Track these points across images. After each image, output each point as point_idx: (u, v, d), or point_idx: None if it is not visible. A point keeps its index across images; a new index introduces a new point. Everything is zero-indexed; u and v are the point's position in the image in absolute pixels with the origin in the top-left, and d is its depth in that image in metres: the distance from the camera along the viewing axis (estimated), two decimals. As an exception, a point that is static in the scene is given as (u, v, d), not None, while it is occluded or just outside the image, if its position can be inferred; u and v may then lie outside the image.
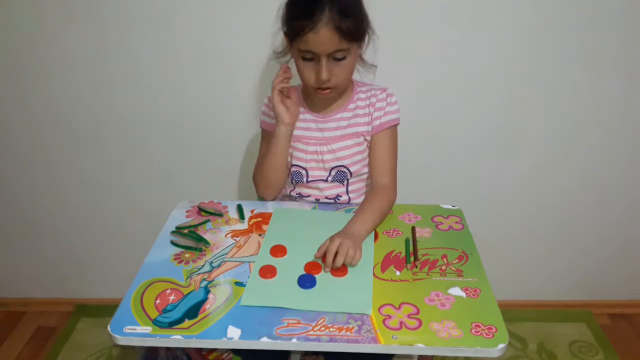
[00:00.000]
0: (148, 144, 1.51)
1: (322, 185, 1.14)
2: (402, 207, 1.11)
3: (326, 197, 1.15)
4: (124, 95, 1.43)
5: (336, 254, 0.90)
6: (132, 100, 1.43)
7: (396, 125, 1.13)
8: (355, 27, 0.96)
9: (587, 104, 1.40)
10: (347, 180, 1.14)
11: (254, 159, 1.33)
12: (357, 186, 1.16)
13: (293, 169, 1.14)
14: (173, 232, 1.04)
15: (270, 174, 1.12)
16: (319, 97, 1.06)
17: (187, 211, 1.11)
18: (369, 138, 1.12)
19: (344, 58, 0.98)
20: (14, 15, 1.32)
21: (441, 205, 1.12)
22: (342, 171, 1.12)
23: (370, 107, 1.09)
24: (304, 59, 0.99)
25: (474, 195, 1.54)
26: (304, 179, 1.14)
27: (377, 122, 1.09)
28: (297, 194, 1.18)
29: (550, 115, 1.42)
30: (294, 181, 1.16)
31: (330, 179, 1.13)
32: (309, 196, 1.16)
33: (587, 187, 1.53)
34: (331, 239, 0.93)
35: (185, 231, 1.04)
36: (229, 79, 1.39)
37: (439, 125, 1.44)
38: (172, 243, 1.00)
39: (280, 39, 1.06)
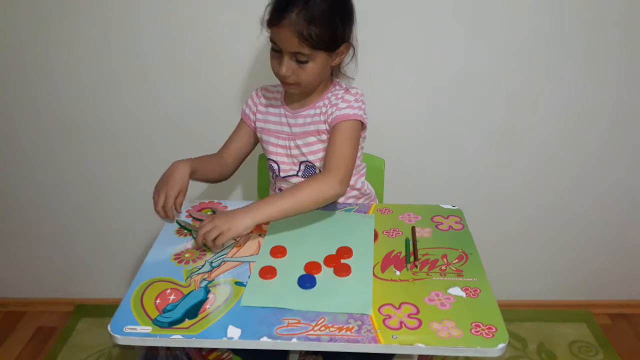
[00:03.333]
0: (149, 143, 1.51)
1: (294, 180, 1.16)
2: (402, 207, 1.11)
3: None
4: (127, 94, 1.43)
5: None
6: (135, 100, 1.44)
7: (355, 120, 1.06)
8: (320, 36, 0.97)
9: (587, 104, 1.40)
10: None
11: (255, 159, 1.33)
12: None
13: (268, 162, 1.19)
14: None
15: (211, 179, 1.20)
16: (284, 88, 1.09)
17: (187, 211, 1.11)
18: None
19: (306, 62, 1.00)
20: (17, 14, 1.32)
21: (441, 205, 1.12)
22: (310, 166, 1.14)
23: (330, 106, 1.09)
24: (273, 49, 1.03)
25: (474, 195, 1.54)
26: (278, 173, 1.17)
27: (330, 118, 1.08)
28: (278, 189, 1.20)
29: (550, 115, 1.42)
30: (273, 175, 1.20)
31: (300, 174, 1.15)
32: None
33: (587, 187, 1.53)
34: (210, 217, 0.94)
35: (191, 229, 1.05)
36: (231, 78, 1.39)
37: (439, 126, 1.44)
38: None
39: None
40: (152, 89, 1.42)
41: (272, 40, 1.01)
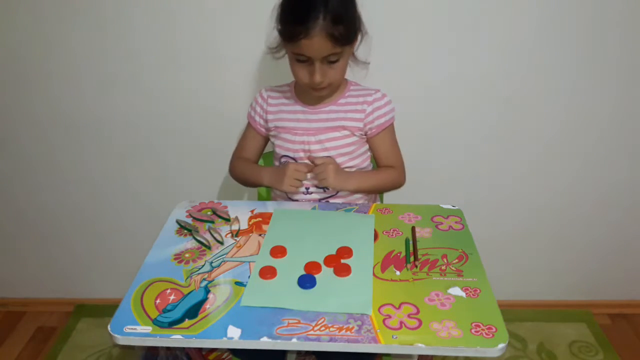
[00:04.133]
0: (149, 143, 1.51)
1: (310, 175, 1.16)
2: (402, 207, 1.11)
3: (316, 187, 1.17)
4: (126, 94, 1.43)
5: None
6: (134, 100, 1.44)
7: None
8: (347, 32, 0.99)
9: (586, 103, 1.40)
10: None
11: (254, 159, 1.33)
12: None
13: (283, 159, 1.18)
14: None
15: (244, 183, 1.25)
16: (313, 94, 1.10)
17: (187, 211, 1.11)
18: (357, 134, 1.15)
19: (337, 60, 1.02)
20: (16, 15, 1.32)
21: (441, 205, 1.12)
22: None
23: (366, 104, 1.13)
24: (298, 60, 1.03)
25: (474, 195, 1.54)
26: None
27: (378, 122, 1.14)
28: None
29: (549, 115, 1.42)
30: None
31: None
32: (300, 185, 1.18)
33: (587, 187, 1.53)
34: (326, 158, 1.12)
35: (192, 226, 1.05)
36: (231, 78, 1.39)
37: (439, 125, 1.44)
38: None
39: (275, 34, 1.07)
40: (152, 89, 1.42)
41: (297, 53, 1.01)
